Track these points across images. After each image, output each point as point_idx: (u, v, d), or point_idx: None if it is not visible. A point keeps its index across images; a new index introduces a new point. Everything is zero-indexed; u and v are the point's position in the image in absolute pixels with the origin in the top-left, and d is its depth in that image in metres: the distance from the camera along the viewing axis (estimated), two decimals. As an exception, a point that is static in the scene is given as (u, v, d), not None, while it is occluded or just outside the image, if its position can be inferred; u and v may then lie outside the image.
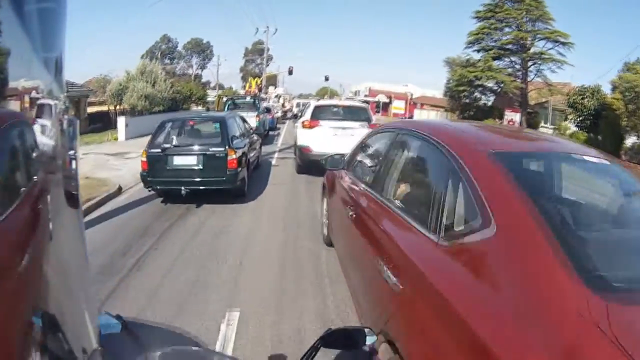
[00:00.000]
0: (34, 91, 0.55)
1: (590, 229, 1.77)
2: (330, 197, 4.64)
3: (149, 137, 7.34)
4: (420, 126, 2.70)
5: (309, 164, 9.54)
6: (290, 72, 36.43)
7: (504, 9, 32.41)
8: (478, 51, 34.58)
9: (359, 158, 4.06)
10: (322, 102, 11.72)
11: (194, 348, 1.18)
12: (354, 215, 3.07)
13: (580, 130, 26.91)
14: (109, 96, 23.61)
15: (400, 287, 1.87)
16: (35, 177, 0.56)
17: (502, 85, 33.32)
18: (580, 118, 26.85)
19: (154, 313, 3.55)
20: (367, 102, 22.57)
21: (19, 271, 0.51)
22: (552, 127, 30.60)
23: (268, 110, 22.30)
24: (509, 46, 33.10)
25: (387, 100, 51.75)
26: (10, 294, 0.49)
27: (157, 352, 1.01)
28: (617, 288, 1.30)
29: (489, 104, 36.35)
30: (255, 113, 16.60)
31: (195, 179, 6.76)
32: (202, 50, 66.94)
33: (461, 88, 34.55)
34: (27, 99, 0.54)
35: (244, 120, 9.61)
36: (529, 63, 32.76)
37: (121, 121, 17.57)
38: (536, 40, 32.20)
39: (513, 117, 31.24)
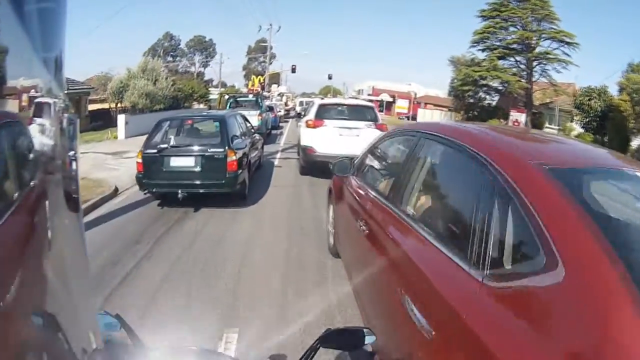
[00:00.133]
0: (32, 90, 0.54)
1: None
2: (337, 204, 4.29)
3: (148, 137, 6.99)
4: (449, 131, 2.32)
5: (313, 165, 9.20)
6: (294, 71, 36.17)
7: (509, 8, 32.16)
8: (483, 50, 34.35)
9: (370, 163, 3.68)
10: (327, 100, 11.38)
11: (192, 347, 1.13)
12: (367, 231, 2.69)
13: (586, 132, 26.59)
14: (110, 94, 23.38)
15: (434, 332, 1.53)
16: (32, 182, 0.54)
17: (507, 85, 33.03)
18: (587, 119, 26.57)
19: (144, 333, 3.21)
20: (370, 101, 22.25)
21: (17, 277, 0.50)
22: (556, 128, 30.23)
23: (271, 108, 22.00)
24: (514, 46, 32.84)
25: (390, 100, 51.31)
26: (10, 295, 0.48)
27: (156, 350, 1.05)
28: None
29: (494, 104, 36.03)
30: (258, 111, 16.23)
31: (192, 181, 6.40)
32: (204, 48, 66.67)
33: (466, 87, 34.31)
34: (25, 97, 0.52)
35: (246, 119, 9.24)
36: (534, 63, 32.46)
37: (121, 119, 17.26)
38: (541, 40, 31.88)
39: (518, 117, 30.90)
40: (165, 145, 6.41)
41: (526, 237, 1.42)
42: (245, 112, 11.41)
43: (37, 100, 0.54)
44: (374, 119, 9.15)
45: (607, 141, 24.16)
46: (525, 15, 31.28)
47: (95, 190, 7.38)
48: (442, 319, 1.53)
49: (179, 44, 65.69)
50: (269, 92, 38.00)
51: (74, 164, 0.66)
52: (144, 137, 7.04)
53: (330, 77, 49.29)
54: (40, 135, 0.56)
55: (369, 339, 1.20)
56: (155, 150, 6.37)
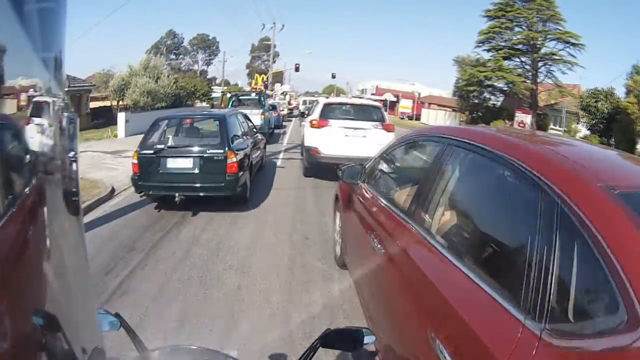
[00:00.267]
0: (31, 89, 0.52)
1: None
2: (345, 213, 3.95)
3: (148, 136, 6.65)
4: (485, 139, 1.94)
5: (317, 167, 8.87)
6: (297, 69, 35.80)
7: (514, 8, 32.03)
8: (488, 50, 34.25)
9: (384, 170, 3.32)
10: (332, 99, 11.02)
11: (192, 347, 1.09)
12: (383, 250, 2.34)
13: (592, 134, 26.29)
14: (111, 91, 23.08)
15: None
16: (29, 184, 0.53)
17: (512, 85, 32.78)
18: (594, 121, 26.27)
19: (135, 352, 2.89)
20: (374, 100, 21.94)
21: (17, 277, 0.51)
22: (562, 129, 29.89)
23: (274, 107, 21.74)
24: (520, 46, 32.67)
25: (394, 99, 50.96)
26: (11, 296, 0.49)
27: (155, 350, 1.06)
28: None
29: (498, 104, 35.77)
30: (261, 110, 15.88)
31: (190, 184, 6.06)
32: (208, 46, 66.44)
33: (471, 88, 34.12)
34: (24, 97, 0.51)
35: (247, 118, 8.89)
36: (539, 64, 32.22)
37: (121, 117, 16.95)
38: (547, 40, 31.61)
39: (524, 118, 30.64)
40: (162, 146, 6.08)
41: (600, 283, 1.10)
42: (247, 111, 11.15)
43: (34, 99, 0.53)
44: (381, 119, 8.81)
45: (613, 143, 23.90)
46: (530, 16, 31.13)
47: (91, 192, 7.06)
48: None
49: (182, 42, 65.62)
50: (272, 90, 37.66)
51: (74, 165, 0.65)
52: (144, 136, 6.71)
53: (333, 76, 48.65)
54: (38, 135, 0.55)
55: (368, 339, 1.19)
56: (151, 151, 6.04)
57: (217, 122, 6.68)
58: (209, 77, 61.67)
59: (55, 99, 0.57)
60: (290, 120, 29.26)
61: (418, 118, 46.42)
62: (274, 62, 44.27)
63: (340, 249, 4.26)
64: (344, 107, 9.29)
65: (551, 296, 1.21)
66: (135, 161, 6.05)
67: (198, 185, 6.06)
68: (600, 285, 1.10)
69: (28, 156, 0.52)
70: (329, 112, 8.92)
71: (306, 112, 15.11)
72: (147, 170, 6.03)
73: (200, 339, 3.13)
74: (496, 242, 1.66)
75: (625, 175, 1.50)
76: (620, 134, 24.20)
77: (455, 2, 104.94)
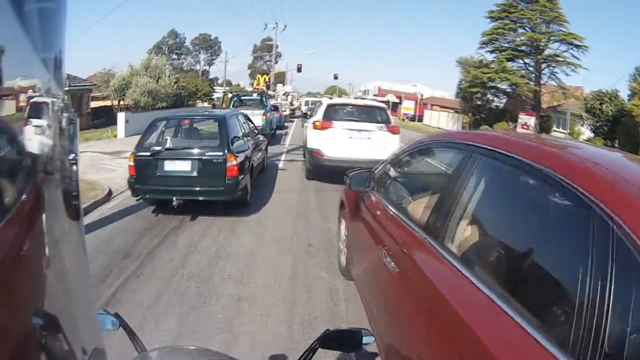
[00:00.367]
0: (30, 90, 0.52)
1: None
2: (351, 221, 3.71)
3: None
4: (520, 148, 1.68)
5: (320, 170, 8.64)
6: (299, 70, 35.70)
7: (518, 9, 31.76)
8: (491, 52, 33.99)
9: (396, 178, 3.08)
10: (336, 100, 10.78)
11: (192, 347, 1.06)
12: (398, 270, 2.11)
13: (597, 137, 26.05)
14: (112, 91, 22.90)
15: None
16: (28, 185, 0.53)
17: (515, 87, 32.55)
18: (598, 124, 26.02)
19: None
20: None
21: (17, 278, 0.50)
22: (565, 131, 29.63)
23: (276, 108, 21.55)
24: (523, 47, 32.36)
25: (396, 100, 50.71)
26: (11, 296, 0.49)
27: (154, 350, 1.05)
28: None
29: (501, 106, 35.53)
30: (262, 111, 15.68)
31: (188, 187, 5.84)
32: (210, 46, 66.26)
33: (474, 89, 33.89)
34: (23, 98, 0.51)
35: (248, 119, 8.65)
36: (543, 65, 31.97)
37: (121, 117, 16.76)
38: (550, 42, 31.37)
39: (527, 120, 30.39)
40: (159, 148, 5.85)
41: None
42: (249, 112, 10.96)
43: (32, 100, 0.53)
44: (386, 121, 8.57)
45: (617, 146, 23.67)
46: (534, 17, 30.91)
47: (87, 194, 6.85)
48: None
49: (184, 42, 65.43)
50: (274, 91, 37.46)
51: (74, 166, 0.64)
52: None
53: (336, 77, 48.44)
54: (37, 136, 0.54)
55: (367, 340, 1.18)
56: (148, 153, 5.81)
57: (217, 123, 6.45)
58: (210, 77, 61.58)
59: (54, 100, 0.56)
60: (292, 121, 29.07)
61: (420, 119, 46.18)
62: (276, 62, 44.18)
63: (345, 258, 4.03)
64: (347, 108, 9.04)
65: (605, 339, 1.00)
66: (132, 163, 5.83)
67: (197, 189, 5.84)
68: None
69: (26, 158, 0.52)
70: (332, 113, 8.68)
71: (309, 112, 14.89)
72: (144, 172, 5.81)
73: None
74: (536, 271, 1.42)
75: None
76: (625, 136, 23.95)
77: (457, 3, 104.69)
